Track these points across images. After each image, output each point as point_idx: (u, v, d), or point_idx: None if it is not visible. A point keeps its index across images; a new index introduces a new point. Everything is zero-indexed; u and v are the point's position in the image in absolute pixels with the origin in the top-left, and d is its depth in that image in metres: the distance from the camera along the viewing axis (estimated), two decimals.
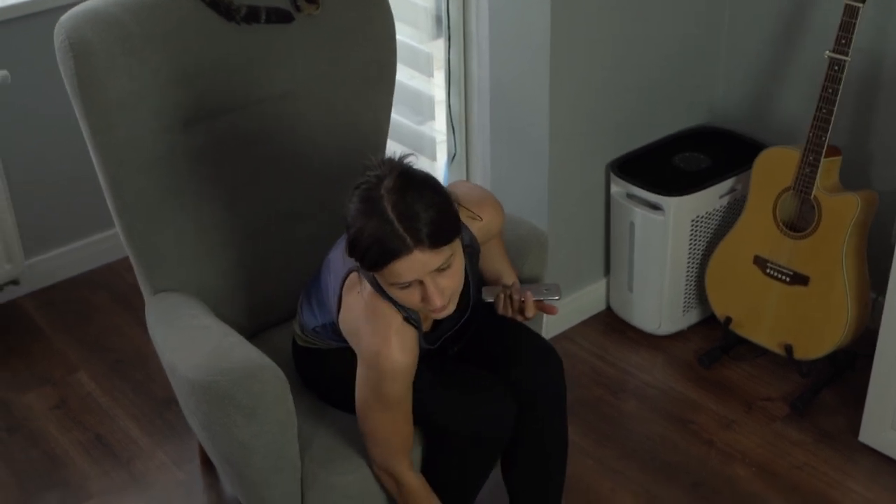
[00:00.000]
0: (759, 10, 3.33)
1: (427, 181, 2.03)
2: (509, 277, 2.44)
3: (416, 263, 1.98)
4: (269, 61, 2.57)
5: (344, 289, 2.22)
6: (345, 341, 2.29)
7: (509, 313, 2.37)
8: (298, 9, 2.55)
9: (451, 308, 2.10)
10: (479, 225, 2.31)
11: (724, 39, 3.47)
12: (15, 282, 3.60)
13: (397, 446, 2.29)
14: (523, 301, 2.35)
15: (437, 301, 2.04)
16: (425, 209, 1.97)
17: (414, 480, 2.34)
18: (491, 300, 2.38)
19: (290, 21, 2.56)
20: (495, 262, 2.47)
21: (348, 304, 2.21)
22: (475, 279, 2.37)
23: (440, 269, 2.02)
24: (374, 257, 1.99)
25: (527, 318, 2.38)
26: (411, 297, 2.05)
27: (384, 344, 2.14)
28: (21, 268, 3.54)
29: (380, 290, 2.13)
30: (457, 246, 2.05)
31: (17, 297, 3.69)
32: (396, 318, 2.16)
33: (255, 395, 2.16)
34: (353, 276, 2.20)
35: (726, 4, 3.40)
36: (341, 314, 2.23)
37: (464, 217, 2.13)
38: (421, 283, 2.02)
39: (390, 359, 2.15)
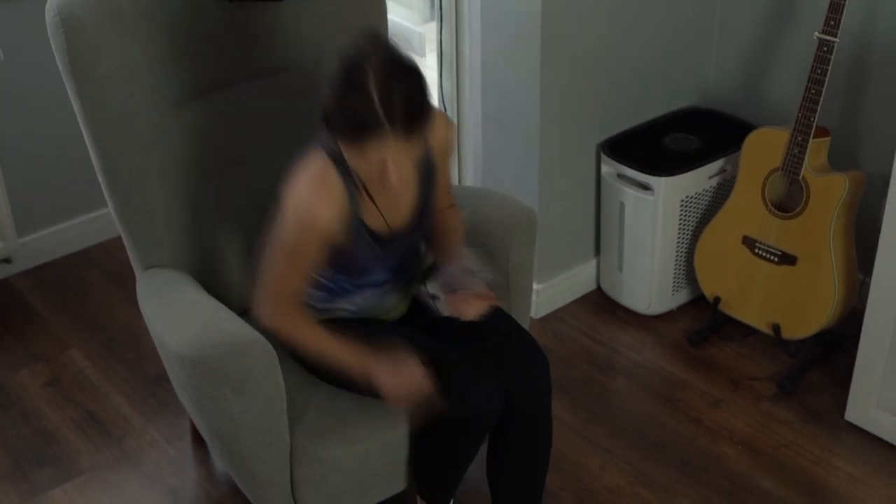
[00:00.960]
0: None
1: (412, 68, 2.05)
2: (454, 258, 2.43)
3: (387, 147, 2.01)
4: (260, 39, 2.58)
5: (301, 161, 2.23)
6: (326, 308, 2.34)
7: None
8: None
9: (403, 192, 2.16)
10: (435, 139, 2.30)
11: (715, 21, 3.48)
12: (7, 260, 3.61)
13: (287, 298, 2.28)
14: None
15: (396, 183, 2.07)
16: (405, 95, 2.00)
17: (306, 325, 2.31)
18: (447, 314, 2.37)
19: (282, 0, 2.57)
20: (447, 238, 2.47)
21: (298, 167, 2.22)
22: (429, 194, 2.37)
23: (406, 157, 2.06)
24: (347, 131, 2.02)
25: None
26: (370, 171, 2.08)
27: (313, 196, 2.17)
28: (14, 246, 3.55)
29: (336, 162, 2.16)
30: (425, 137, 2.08)
31: (9, 275, 3.70)
32: (337, 186, 2.18)
33: (245, 370, 2.18)
34: (313, 152, 2.22)
35: None
36: (291, 177, 2.22)
37: None
38: (385, 169, 2.05)
39: (311, 210, 2.17)
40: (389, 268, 2.40)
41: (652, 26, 3.33)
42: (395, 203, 2.30)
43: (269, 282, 2.27)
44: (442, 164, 2.39)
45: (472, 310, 2.30)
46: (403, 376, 2.23)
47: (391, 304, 2.49)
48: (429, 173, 2.34)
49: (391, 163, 2.04)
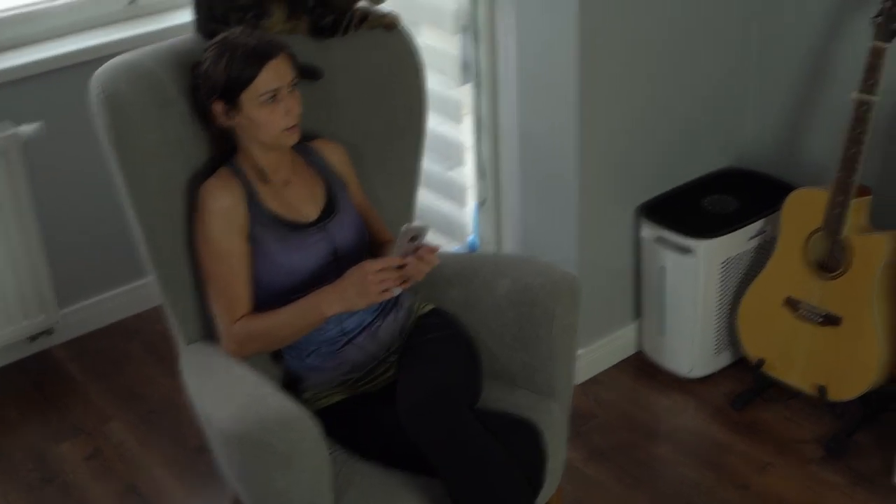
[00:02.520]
0: (787, 52, 3.35)
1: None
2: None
3: (280, 69, 2.32)
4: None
5: None
6: (311, 378, 2.46)
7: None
8: (346, 31, 2.64)
9: (297, 135, 2.39)
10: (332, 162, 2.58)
11: (752, 82, 3.48)
12: (49, 331, 3.63)
13: (228, 303, 2.40)
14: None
15: (296, 109, 2.36)
16: (272, 36, 2.40)
17: (260, 317, 2.42)
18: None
19: (320, 78, 2.60)
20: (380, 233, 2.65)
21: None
22: (341, 198, 2.54)
23: (292, 85, 2.35)
24: (241, 69, 2.30)
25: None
26: (274, 115, 2.33)
27: (212, 189, 2.39)
28: (56, 318, 3.57)
29: (229, 165, 2.43)
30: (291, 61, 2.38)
31: (51, 346, 3.72)
32: (231, 178, 2.41)
33: (292, 443, 2.16)
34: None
35: (753, 49, 3.42)
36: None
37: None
38: (276, 99, 2.32)
39: (214, 199, 2.37)
40: (316, 266, 2.44)
41: (688, 89, 3.33)
42: (299, 186, 2.48)
43: (217, 300, 2.41)
44: (351, 181, 2.60)
45: (425, 267, 2.34)
46: (357, 280, 2.30)
47: (355, 323, 2.48)
48: (332, 180, 2.54)
49: (286, 95, 2.34)
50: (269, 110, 2.33)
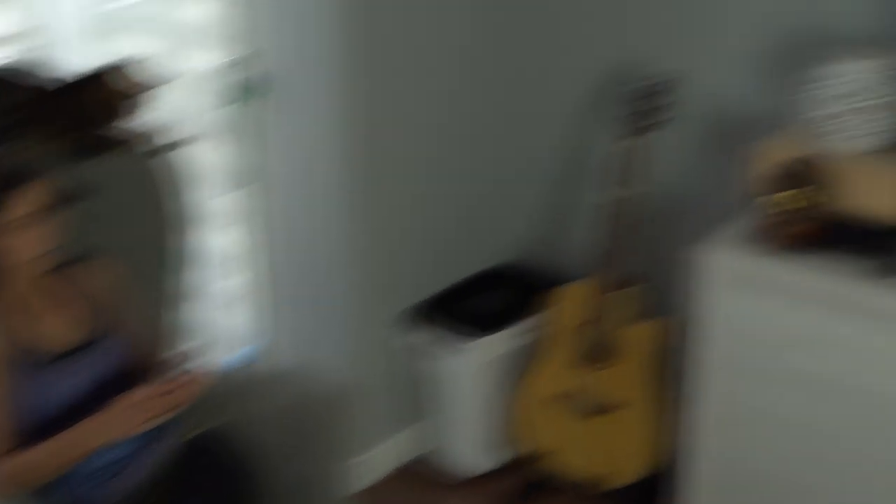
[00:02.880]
0: (548, 154, 3.45)
1: None
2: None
3: (30, 196, 2.18)
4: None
5: None
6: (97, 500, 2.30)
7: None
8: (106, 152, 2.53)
9: (53, 260, 2.27)
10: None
11: (517, 183, 3.55)
12: None
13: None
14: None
15: (52, 234, 2.23)
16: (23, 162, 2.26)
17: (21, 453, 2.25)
18: None
19: (87, 199, 2.51)
20: None
21: None
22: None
23: (49, 210, 2.22)
24: None
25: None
26: (28, 242, 2.21)
27: None
28: None
29: None
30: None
31: None
32: None
33: None
34: None
35: (514, 152, 3.51)
36: None
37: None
38: (30, 226, 2.19)
39: None
40: (80, 393, 2.32)
41: (455, 190, 3.40)
42: (60, 312, 2.34)
43: None
44: (117, 302, 2.45)
45: (193, 390, 2.26)
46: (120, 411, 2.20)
47: (121, 453, 2.37)
48: (96, 304, 2.40)
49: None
50: (26, 236, 2.22)
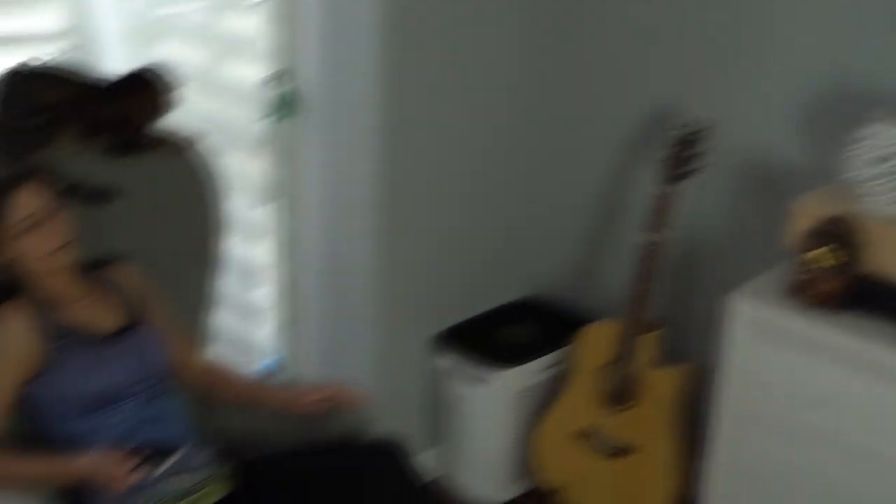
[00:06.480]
0: (583, 192, 3.45)
1: None
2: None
3: (31, 196, 2.24)
4: (89, 235, 2.52)
5: None
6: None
7: None
8: (141, 152, 2.56)
9: (69, 253, 2.32)
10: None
11: (550, 218, 3.56)
12: None
13: None
14: None
15: (59, 231, 2.28)
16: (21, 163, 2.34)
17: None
18: None
19: (110, 200, 2.55)
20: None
21: None
22: (141, 322, 2.47)
23: (54, 208, 2.28)
24: None
25: None
26: (38, 241, 2.26)
27: None
28: None
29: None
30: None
31: None
32: (15, 313, 2.29)
33: None
34: None
35: (550, 188, 3.51)
36: None
37: None
38: (37, 225, 2.25)
39: None
40: (120, 379, 2.36)
41: (488, 222, 3.40)
42: (95, 303, 2.41)
43: None
44: (149, 300, 2.53)
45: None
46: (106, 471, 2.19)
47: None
48: (130, 300, 2.48)
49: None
50: (31, 237, 2.26)
